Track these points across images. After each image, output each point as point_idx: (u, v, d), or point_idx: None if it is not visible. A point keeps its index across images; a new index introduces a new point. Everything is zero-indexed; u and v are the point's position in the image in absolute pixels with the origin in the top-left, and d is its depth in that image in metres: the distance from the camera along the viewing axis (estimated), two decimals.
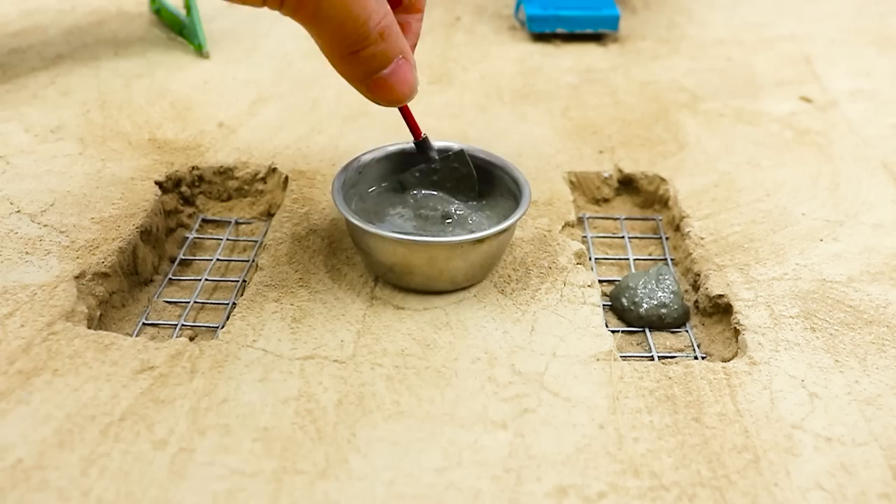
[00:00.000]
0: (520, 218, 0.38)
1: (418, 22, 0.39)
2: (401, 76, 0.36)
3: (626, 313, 0.41)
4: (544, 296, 0.39)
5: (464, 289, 0.39)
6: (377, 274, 0.40)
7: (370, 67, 0.35)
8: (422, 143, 0.41)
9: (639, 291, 0.41)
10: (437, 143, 0.42)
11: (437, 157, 0.41)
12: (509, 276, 0.40)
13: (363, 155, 0.42)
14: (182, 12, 0.66)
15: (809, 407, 0.34)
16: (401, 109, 0.39)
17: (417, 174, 0.42)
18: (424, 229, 0.40)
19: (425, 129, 0.54)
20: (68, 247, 0.41)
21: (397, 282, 0.39)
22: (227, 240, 0.47)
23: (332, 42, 0.34)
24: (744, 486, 0.30)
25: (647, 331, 0.41)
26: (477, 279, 0.40)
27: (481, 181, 0.42)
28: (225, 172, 0.49)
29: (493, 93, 0.59)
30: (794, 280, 0.41)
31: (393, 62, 0.36)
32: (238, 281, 0.43)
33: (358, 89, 0.36)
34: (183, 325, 0.40)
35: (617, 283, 0.42)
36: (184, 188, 0.48)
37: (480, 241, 0.37)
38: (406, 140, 0.42)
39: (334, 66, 0.35)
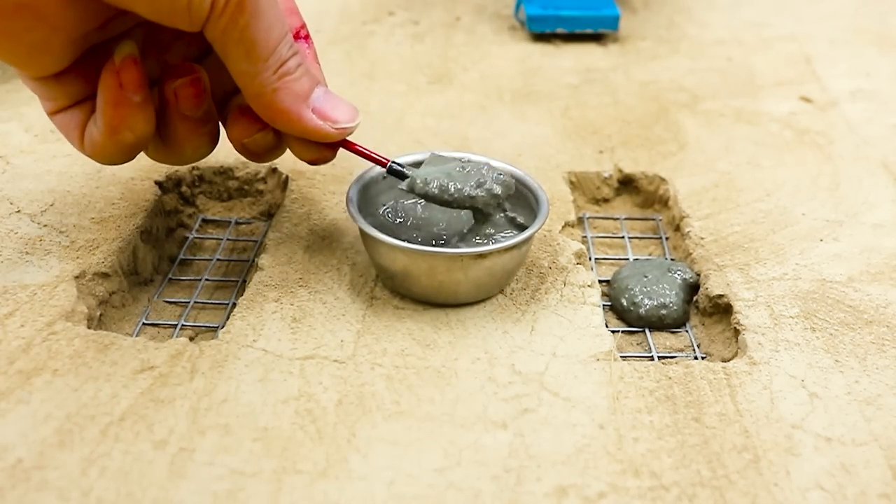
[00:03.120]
0: (528, 238, 0.37)
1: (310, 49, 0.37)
2: (336, 97, 0.34)
3: (626, 313, 0.41)
4: (544, 296, 0.39)
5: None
6: (383, 280, 0.40)
7: (305, 83, 0.33)
8: (391, 170, 0.38)
9: (639, 291, 0.41)
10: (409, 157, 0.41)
11: (415, 171, 0.38)
12: None
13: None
14: None
15: (809, 407, 0.34)
16: (349, 147, 0.37)
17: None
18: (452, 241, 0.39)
19: (425, 128, 0.54)
20: (68, 247, 0.41)
21: (399, 290, 0.39)
22: (227, 240, 0.47)
23: (261, 60, 0.32)
24: (744, 486, 0.30)
25: (647, 331, 0.41)
26: (482, 296, 0.39)
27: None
28: (225, 172, 0.49)
29: (493, 93, 0.59)
30: (794, 280, 0.41)
31: (320, 86, 0.34)
32: (238, 281, 0.43)
33: (300, 125, 0.34)
34: (183, 325, 0.40)
35: (615, 279, 0.42)
36: (184, 188, 0.48)
37: (482, 256, 0.36)
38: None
39: (268, 102, 0.33)
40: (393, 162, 0.38)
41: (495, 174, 0.38)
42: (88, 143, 0.35)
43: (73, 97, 0.35)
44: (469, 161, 0.39)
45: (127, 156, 0.36)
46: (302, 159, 0.37)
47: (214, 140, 0.38)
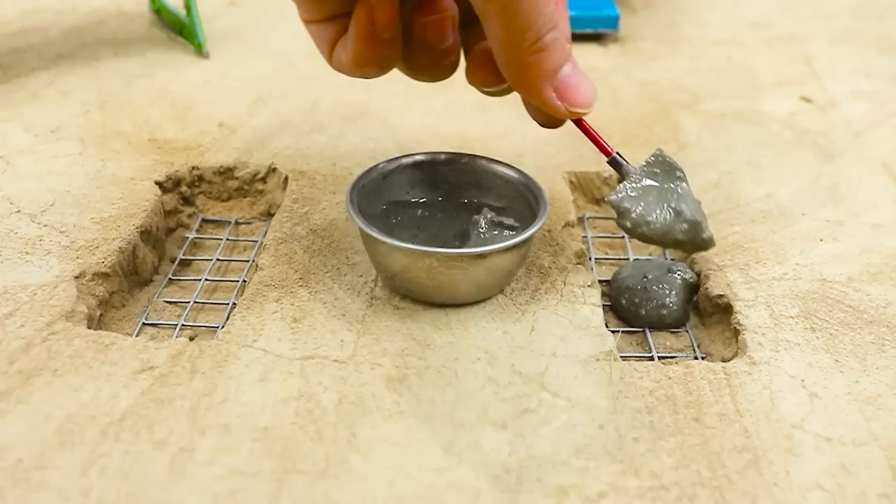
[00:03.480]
0: (528, 238, 0.37)
1: None
2: (581, 75, 0.33)
3: (626, 313, 0.41)
4: (544, 296, 0.39)
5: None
6: (383, 280, 0.40)
7: (556, 60, 0.32)
8: (613, 161, 0.37)
9: (639, 292, 0.41)
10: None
11: (635, 170, 0.36)
12: None
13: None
14: (182, 12, 0.66)
15: (809, 407, 0.34)
16: (580, 124, 0.36)
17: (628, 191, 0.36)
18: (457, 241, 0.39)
19: (425, 128, 0.54)
20: (68, 247, 0.41)
21: (399, 290, 0.39)
22: (227, 240, 0.47)
23: (518, 32, 0.31)
24: (744, 486, 0.30)
25: (647, 331, 0.41)
26: (482, 296, 0.39)
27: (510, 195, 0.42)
28: (225, 172, 0.49)
29: None
30: (794, 280, 0.41)
31: (569, 62, 0.33)
32: (238, 281, 0.43)
33: (540, 99, 0.33)
34: (183, 325, 0.40)
35: (615, 279, 0.42)
36: (184, 188, 0.48)
37: (482, 256, 0.36)
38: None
39: (515, 70, 0.32)
40: (617, 154, 0.37)
41: (704, 218, 0.36)
42: (336, 62, 0.37)
43: (327, 13, 0.36)
44: (684, 189, 0.36)
45: (371, 77, 0.37)
46: (532, 118, 0.37)
47: (454, 68, 0.38)
